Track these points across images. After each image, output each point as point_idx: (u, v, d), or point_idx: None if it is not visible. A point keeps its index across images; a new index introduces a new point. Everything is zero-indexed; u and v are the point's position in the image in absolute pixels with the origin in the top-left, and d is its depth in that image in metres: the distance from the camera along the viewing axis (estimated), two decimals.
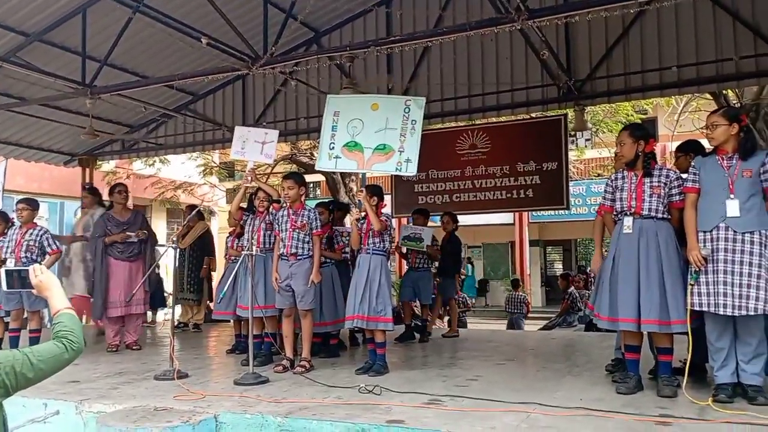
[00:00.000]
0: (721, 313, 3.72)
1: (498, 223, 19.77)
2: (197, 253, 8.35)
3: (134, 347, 6.69)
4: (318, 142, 13.81)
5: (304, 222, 5.29)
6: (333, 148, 5.20)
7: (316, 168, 5.69)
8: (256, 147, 5.43)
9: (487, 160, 8.66)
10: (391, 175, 9.23)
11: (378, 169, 5.14)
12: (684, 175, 4.13)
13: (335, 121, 5.25)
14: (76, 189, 10.69)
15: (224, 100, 9.44)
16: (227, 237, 6.91)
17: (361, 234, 5.21)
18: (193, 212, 7.00)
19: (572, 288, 11.87)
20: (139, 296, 6.61)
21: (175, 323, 7.18)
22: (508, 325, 13.09)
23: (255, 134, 5.57)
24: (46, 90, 7.55)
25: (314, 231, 5.33)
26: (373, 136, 5.08)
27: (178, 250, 6.68)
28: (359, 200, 5.25)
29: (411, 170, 5.03)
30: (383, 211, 5.34)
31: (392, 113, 5.09)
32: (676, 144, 5.09)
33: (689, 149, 4.63)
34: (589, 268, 20.97)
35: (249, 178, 5.53)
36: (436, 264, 7.62)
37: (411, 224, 7.50)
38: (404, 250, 7.35)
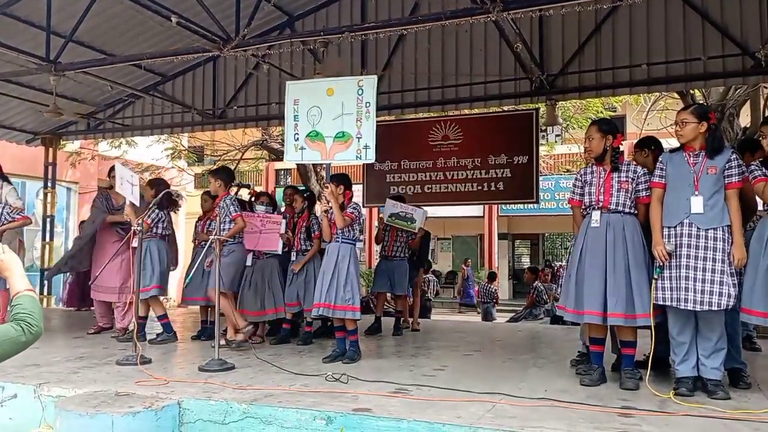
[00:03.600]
0: (683, 307, 3.79)
1: (468, 215, 19.89)
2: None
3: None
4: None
5: (216, 213, 5.57)
6: (298, 139, 5.20)
7: (285, 160, 5.64)
8: (128, 187, 5.67)
9: (459, 151, 8.68)
10: (363, 164, 9.22)
11: (339, 158, 5.11)
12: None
13: (296, 110, 5.23)
14: (39, 168, 10.42)
15: (194, 82, 9.27)
16: (196, 221, 6.81)
17: (331, 224, 5.18)
18: (157, 197, 6.82)
19: (538, 282, 12.05)
20: (129, 281, 6.42)
21: None
22: (483, 316, 13.48)
23: (128, 175, 5.76)
24: (8, 65, 7.30)
25: (231, 216, 5.50)
26: (331, 124, 5.06)
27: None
28: (325, 196, 5.21)
29: (370, 157, 5.01)
30: (353, 200, 5.30)
31: (347, 97, 5.05)
32: None
33: (647, 145, 4.69)
34: (556, 263, 21.33)
35: (126, 212, 5.81)
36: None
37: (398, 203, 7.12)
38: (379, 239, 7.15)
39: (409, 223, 6.81)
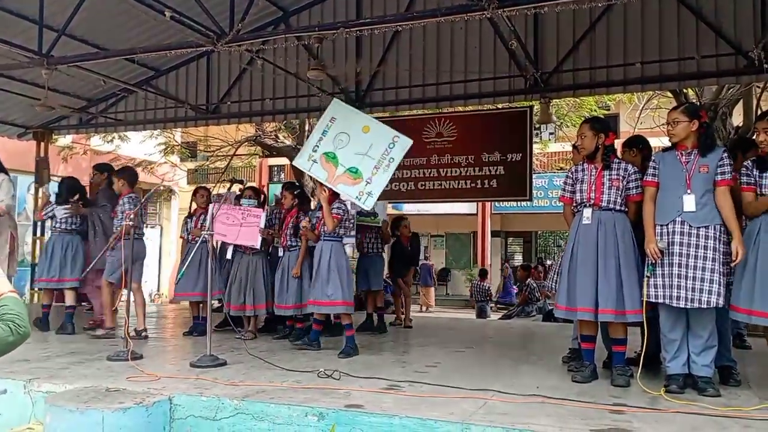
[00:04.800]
0: (675, 305, 3.81)
1: (461, 212, 19.89)
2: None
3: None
4: (283, 124, 13.61)
5: (116, 210, 6.03)
6: (316, 151, 5.34)
7: (293, 163, 5.77)
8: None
9: (452, 149, 8.68)
10: None
11: (342, 190, 5.26)
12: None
13: (328, 126, 5.39)
14: (30, 163, 10.33)
15: (188, 77, 9.21)
16: (186, 218, 6.78)
17: (315, 225, 5.46)
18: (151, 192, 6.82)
19: (531, 279, 12.08)
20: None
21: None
22: (477, 313, 13.54)
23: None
24: (0, 58, 7.23)
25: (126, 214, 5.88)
26: (352, 157, 5.21)
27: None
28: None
29: (369, 204, 5.22)
30: (337, 202, 5.40)
31: (377, 142, 5.22)
32: None
33: (635, 145, 4.71)
34: (548, 261, 21.37)
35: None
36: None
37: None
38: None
39: (372, 218, 6.85)
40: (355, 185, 5.16)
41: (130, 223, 5.25)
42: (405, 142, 5.26)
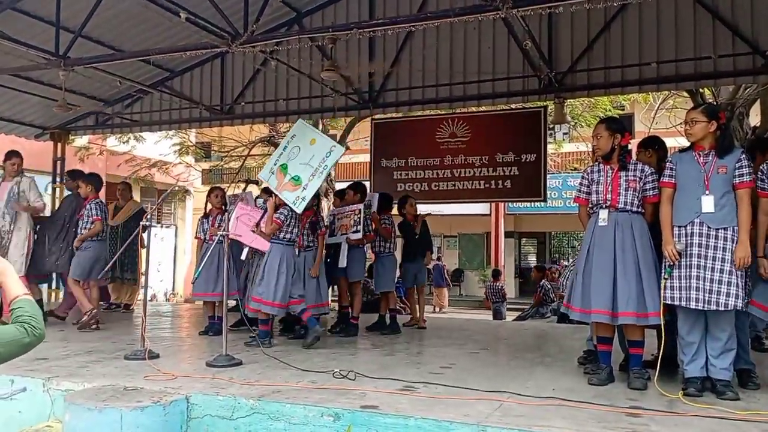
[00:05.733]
0: (693, 307, 3.77)
1: (474, 213, 19.85)
2: (132, 232, 8.18)
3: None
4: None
5: (82, 212, 6.58)
6: (275, 164, 5.78)
7: (258, 175, 6.06)
8: None
9: (466, 149, 8.68)
10: (370, 162, 9.27)
11: (284, 195, 5.59)
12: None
13: (288, 142, 5.84)
14: (48, 164, 10.45)
15: (202, 78, 9.28)
16: (201, 218, 6.80)
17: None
18: (167, 194, 6.96)
19: (545, 280, 12.01)
20: None
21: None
22: (493, 314, 13.50)
23: None
24: (18, 60, 7.31)
25: (93, 218, 6.47)
26: (297, 166, 5.62)
27: (109, 227, 7.55)
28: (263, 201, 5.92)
29: (300, 208, 5.52)
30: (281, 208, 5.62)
31: (318, 152, 5.59)
32: None
33: (650, 145, 4.67)
34: (562, 261, 21.28)
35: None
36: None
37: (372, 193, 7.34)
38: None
39: (369, 210, 6.82)
40: (294, 191, 5.52)
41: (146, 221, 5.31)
42: (339, 151, 5.69)
